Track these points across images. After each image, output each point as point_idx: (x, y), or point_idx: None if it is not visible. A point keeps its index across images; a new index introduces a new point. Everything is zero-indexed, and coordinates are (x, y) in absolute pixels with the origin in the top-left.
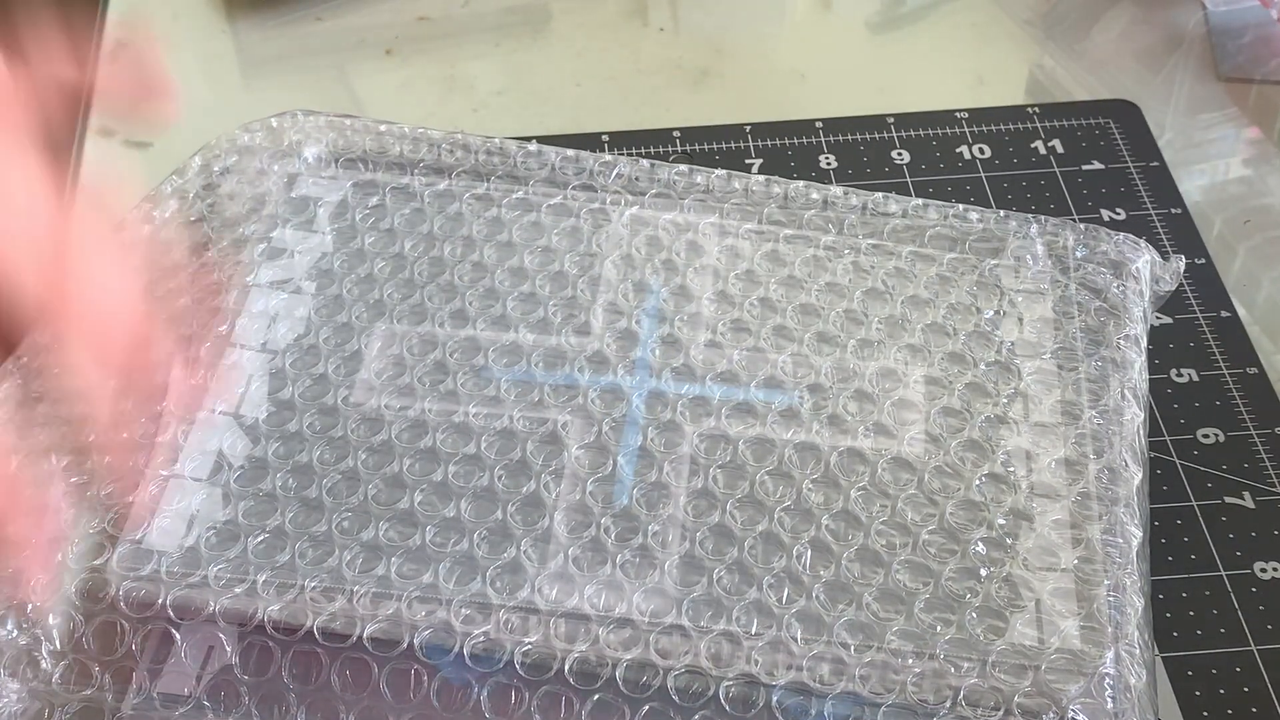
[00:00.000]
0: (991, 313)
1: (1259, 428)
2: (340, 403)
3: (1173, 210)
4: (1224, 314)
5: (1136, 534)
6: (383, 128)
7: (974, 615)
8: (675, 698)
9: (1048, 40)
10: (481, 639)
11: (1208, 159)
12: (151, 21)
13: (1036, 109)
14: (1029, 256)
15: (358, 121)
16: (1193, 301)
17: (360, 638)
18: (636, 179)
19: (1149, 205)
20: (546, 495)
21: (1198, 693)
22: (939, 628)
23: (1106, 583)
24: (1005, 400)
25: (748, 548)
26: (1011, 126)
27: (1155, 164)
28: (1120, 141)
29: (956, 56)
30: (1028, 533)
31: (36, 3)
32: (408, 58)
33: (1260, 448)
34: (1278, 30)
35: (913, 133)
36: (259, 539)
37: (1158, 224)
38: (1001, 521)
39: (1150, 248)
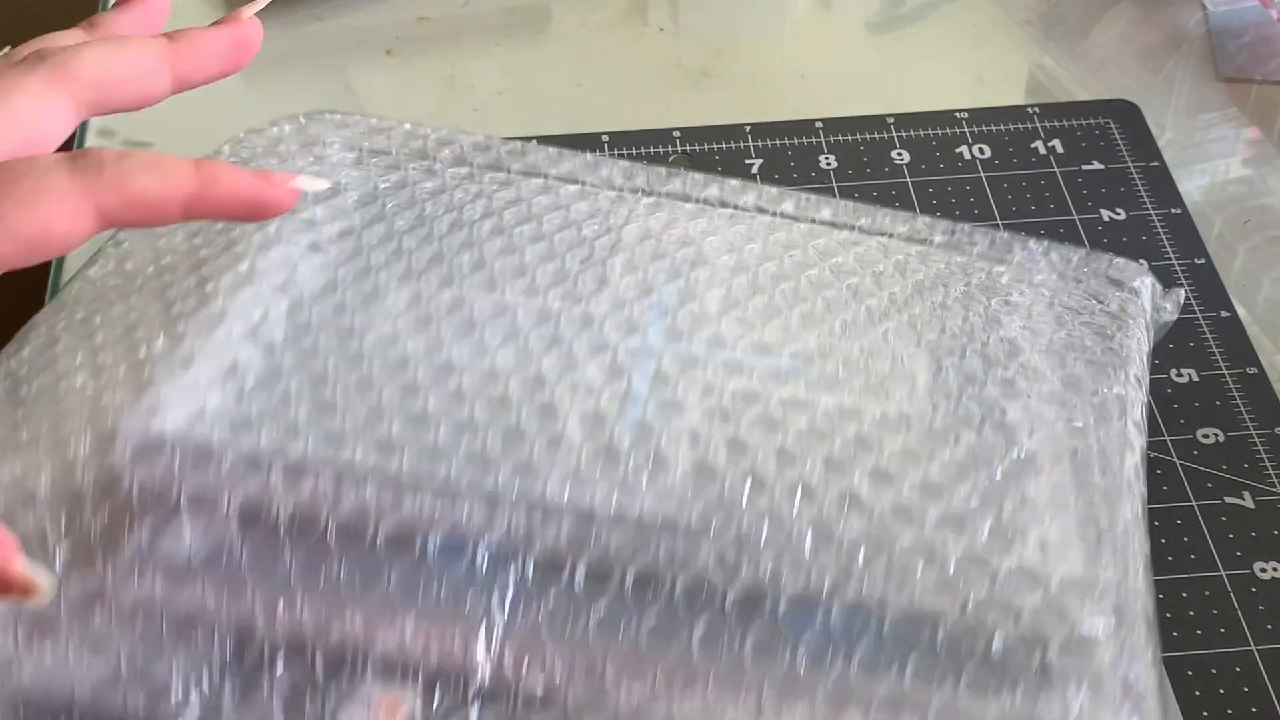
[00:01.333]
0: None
1: (1259, 428)
2: (359, 324)
3: (1173, 210)
4: (1224, 314)
5: (1137, 446)
6: (407, 126)
7: (985, 534)
8: (681, 603)
9: (1048, 40)
10: (494, 539)
11: (1208, 159)
12: None
13: (1036, 109)
14: (1029, 285)
15: (388, 121)
16: (1193, 301)
17: (374, 533)
18: (651, 186)
19: (1149, 205)
20: (561, 404)
21: (1197, 693)
22: (949, 541)
23: (1112, 514)
24: (1012, 370)
25: (760, 459)
26: (1011, 126)
27: (1155, 164)
28: (1120, 141)
29: (956, 56)
30: (1035, 480)
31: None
32: (408, 58)
33: (1260, 448)
34: (1278, 30)
35: (913, 133)
36: (272, 432)
37: (1158, 224)
38: (1015, 456)
39: (1154, 281)
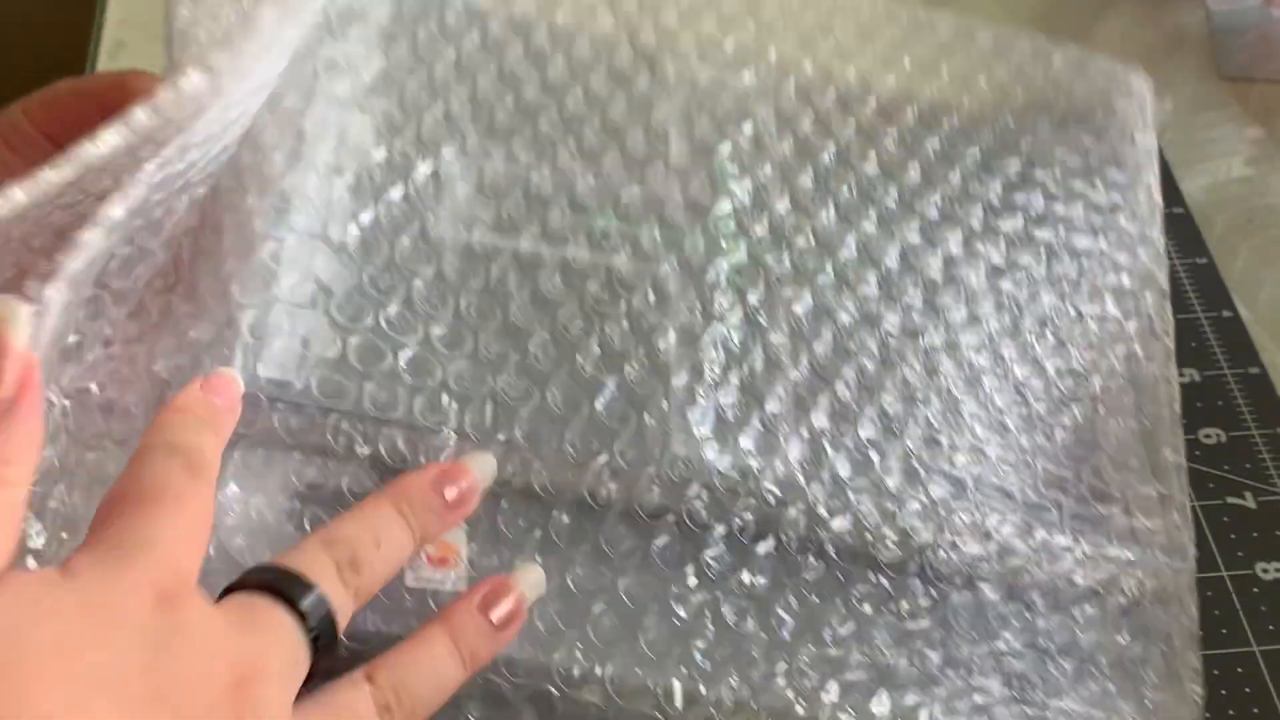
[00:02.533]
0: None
1: (1261, 428)
2: (430, 234)
3: (1174, 210)
4: (1225, 314)
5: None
6: None
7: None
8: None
9: (1048, 40)
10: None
11: (1209, 158)
12: (150, 21)
13: None
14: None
15: None
16: (1194, 301)
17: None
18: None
19: None
20: (664, 352)
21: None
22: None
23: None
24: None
25: (878, 417)
26: None
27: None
28: None
29: None
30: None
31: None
32: None
33: (1262, 448)
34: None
35: None
36: (373, 384)
37: None
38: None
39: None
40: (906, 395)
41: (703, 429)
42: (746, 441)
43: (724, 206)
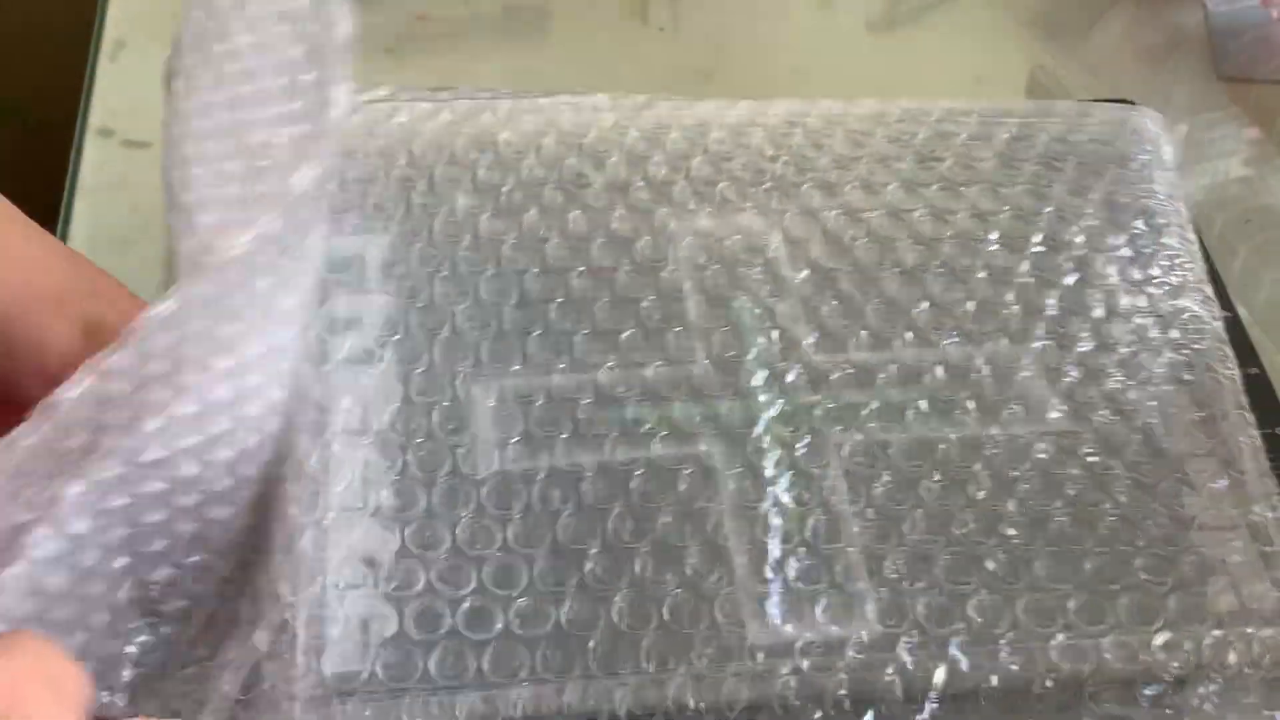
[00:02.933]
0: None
1: (1260, 428)
2: (462, 469)
3: None
4: (1224, 314)
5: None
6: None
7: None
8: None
9: (1048, 40)
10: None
11: (1208, 159)
12: (151, 22)
13: None
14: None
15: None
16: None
17: None
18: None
19: None
20: (720, 538)
21: None
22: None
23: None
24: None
25: (944, 564)
26: None
27: None
28: None
29: (956, 56)
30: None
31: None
32: (408, 57)
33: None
34: (1278, 30)
35: None
36: (438, 652)
37: None
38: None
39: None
40: (979, 518)
41: (776, 610)
42: (822, 612)
43: (752, 356)
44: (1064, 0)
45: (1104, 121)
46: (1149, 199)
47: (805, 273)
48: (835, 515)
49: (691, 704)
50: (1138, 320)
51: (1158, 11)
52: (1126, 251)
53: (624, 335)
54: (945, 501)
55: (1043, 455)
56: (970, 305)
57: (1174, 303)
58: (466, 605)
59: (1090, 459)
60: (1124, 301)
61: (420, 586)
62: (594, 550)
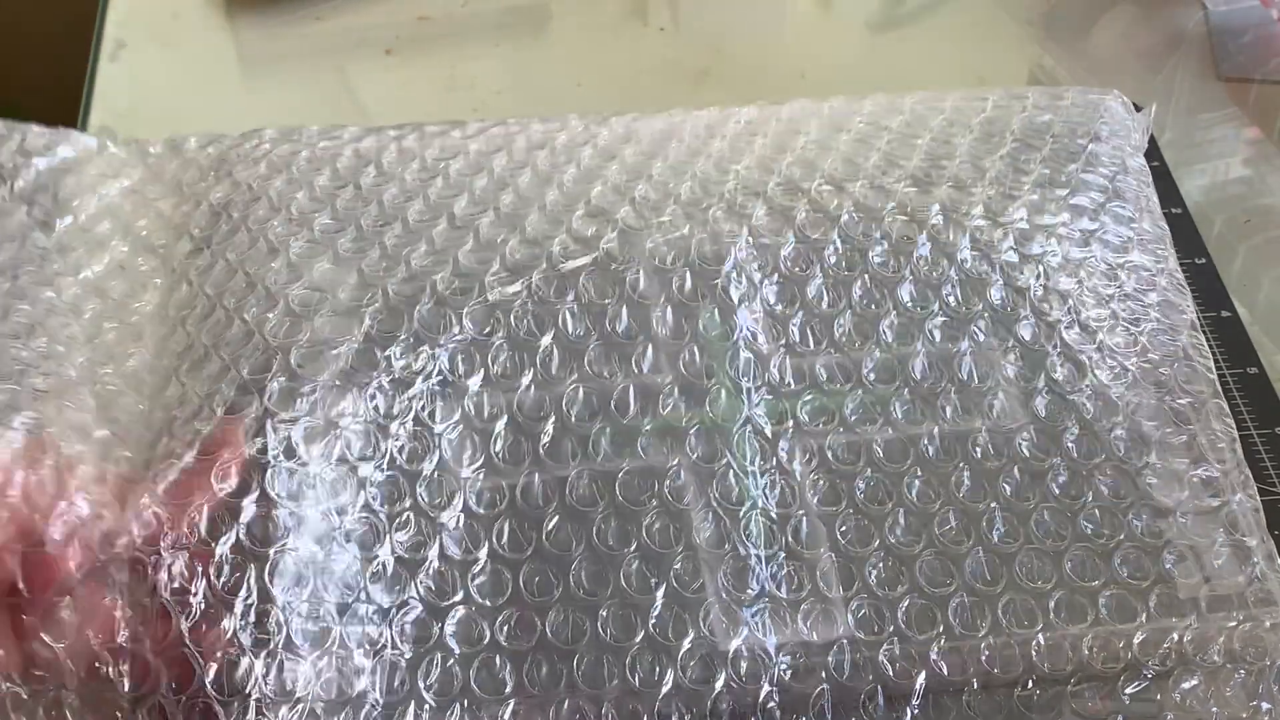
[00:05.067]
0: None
1: (1259, 428)
2: (447, 553)
3: (1173, 210)
4: (1224, 314)
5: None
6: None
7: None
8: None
9: (1048, 40)
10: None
11: (1208, 159)
12: (151, 21)
13: None
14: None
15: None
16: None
17: None
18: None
19: None
20: (703, 546)
21: None
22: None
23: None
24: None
25: (923, 565)
26: None
27: (1156, 164)
28: None
29: (956, 56)
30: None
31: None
32: (408, 58)
33: (1261, 448)
34: (1278, 30)
35: None
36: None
37: None
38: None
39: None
40: (961, 516)
41: (758, 619)
42: (803, 619)
43: (724, 362)
44: (1064, 0)
45: (1075, 104)
46: (1121, 179)
47: (775, 271)
48: (815, 518)
49: (676, 716)
50: (1113, 307)
51: (1158, 11)
52: (1101, 232)
53: (590, 348)
54: (926, 501)
55: (1024, 447)
56: (949, 298)
57: (1146, 290)
58: (458, 615)
59: (1070, 445)
60: (1099, 288)
61: (409, 605)
62: (578, 559)
